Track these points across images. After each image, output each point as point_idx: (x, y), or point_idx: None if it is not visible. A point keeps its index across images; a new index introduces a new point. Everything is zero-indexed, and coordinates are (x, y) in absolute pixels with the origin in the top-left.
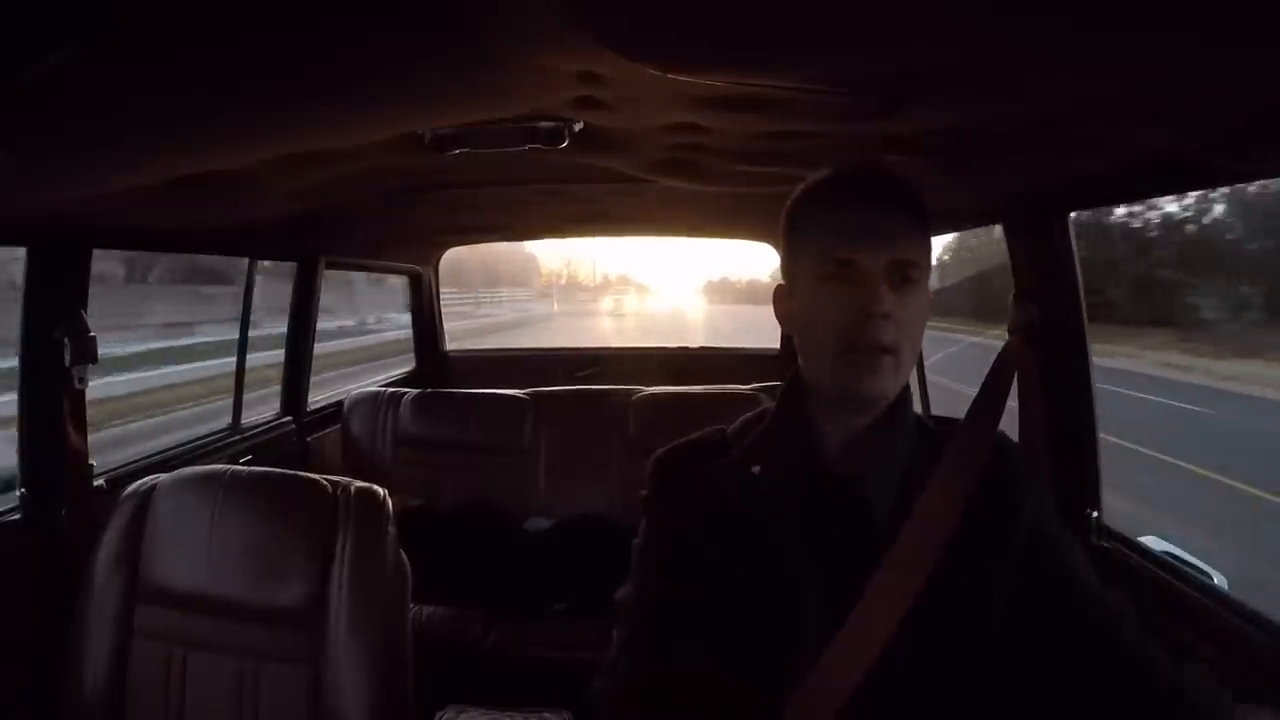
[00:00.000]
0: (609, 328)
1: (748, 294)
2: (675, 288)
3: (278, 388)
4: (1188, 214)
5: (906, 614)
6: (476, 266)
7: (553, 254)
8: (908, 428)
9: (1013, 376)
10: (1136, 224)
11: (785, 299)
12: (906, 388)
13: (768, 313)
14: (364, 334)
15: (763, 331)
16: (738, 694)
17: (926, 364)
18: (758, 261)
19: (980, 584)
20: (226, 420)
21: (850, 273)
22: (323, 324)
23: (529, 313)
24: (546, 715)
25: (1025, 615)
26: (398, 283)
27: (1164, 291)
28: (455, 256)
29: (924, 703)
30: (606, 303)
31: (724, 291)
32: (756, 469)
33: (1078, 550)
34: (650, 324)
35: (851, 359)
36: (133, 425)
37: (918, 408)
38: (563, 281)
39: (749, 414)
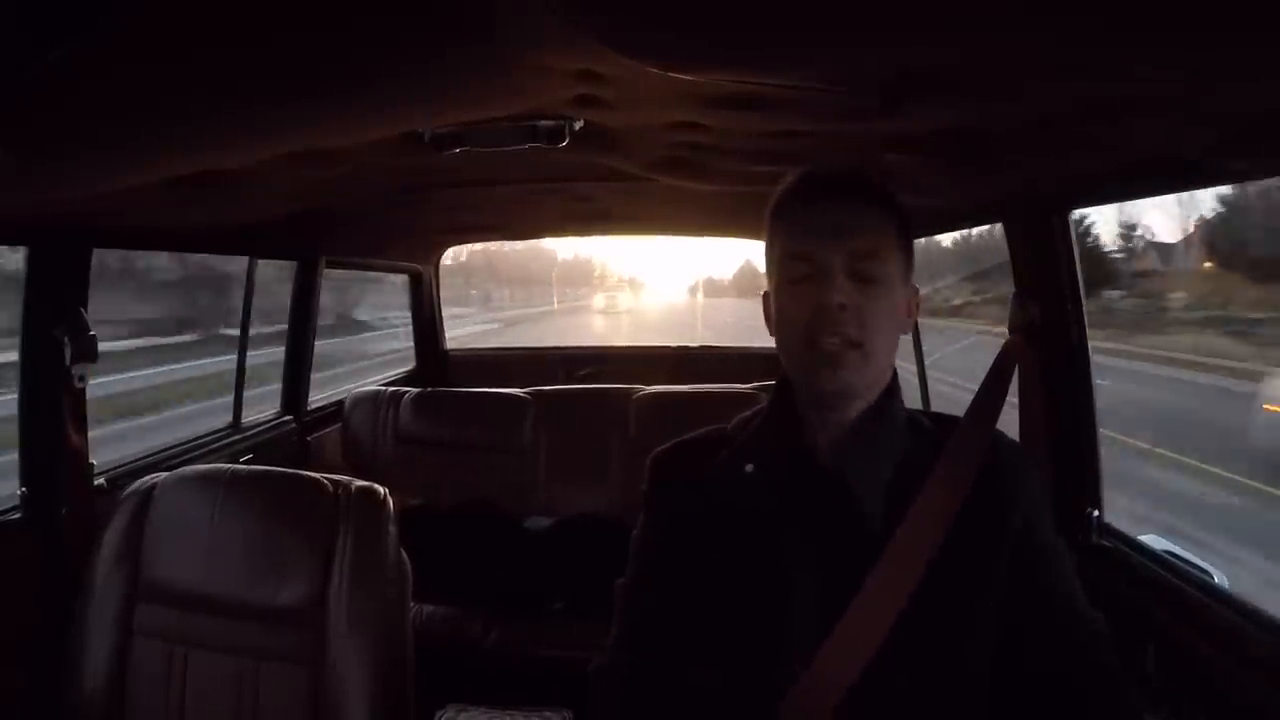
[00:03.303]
0: (601, 327)
1: (726, 290)
2: (670, 285)
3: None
4: None
5: (903, 610)
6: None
7: (599, 260)
8: (898, 424)
9: (1012, 375)
10: None
11: (768, 302)
12: (894, 384)
13: (747, 305)
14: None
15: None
16: (731, 688)
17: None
18: (737, 263)
19: (975, 580)
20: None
21: (810, 269)
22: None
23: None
24: (547, 714)
25: (1008, 622)
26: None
27: None
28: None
29: (920, 698)
30: (599, 300)
31: (716, 288)
32: (749, 467)
33: (1066, 563)
34: (644, 321)
35: (814, 355)
36: None
37: (918, 405)
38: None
39: (746, 413)
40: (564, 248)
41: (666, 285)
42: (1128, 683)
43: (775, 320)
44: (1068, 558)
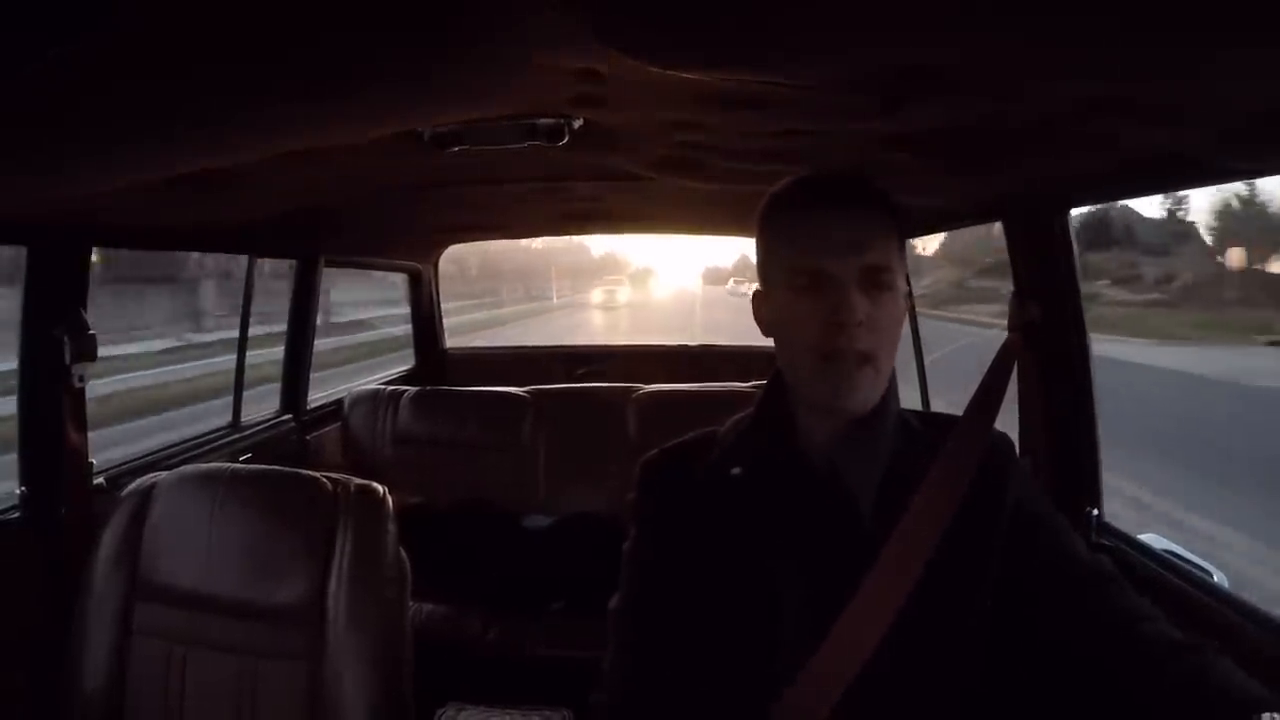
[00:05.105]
0: (600, 324)
1: (723, 276)
2: (686, 274)
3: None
4: None
5: (900, 609)
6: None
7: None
8: (891, 425)
9: (1010, 374)
10: None
11: (762, 303)
12: (891, 385)
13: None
14: None
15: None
16: (726, 697)
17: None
18: (735, 253)
19: (972, 577)
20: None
21: (821, 282)
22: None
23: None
24: (547, 713)
25: (1015, 589)
26: None
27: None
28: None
29: (918, 697)
30: (596, 294)
31: (721, 275)
32: (737, 469)
33: (1064, 523)
34: (647, 318)
35: (829, 369)
36: None
37: (917, 405)
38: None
39: (738, 415)
40: (597, 245)
41: (683, 274)
42: (1156, 615)
43: (780, 328)
44: (1064, 523)
